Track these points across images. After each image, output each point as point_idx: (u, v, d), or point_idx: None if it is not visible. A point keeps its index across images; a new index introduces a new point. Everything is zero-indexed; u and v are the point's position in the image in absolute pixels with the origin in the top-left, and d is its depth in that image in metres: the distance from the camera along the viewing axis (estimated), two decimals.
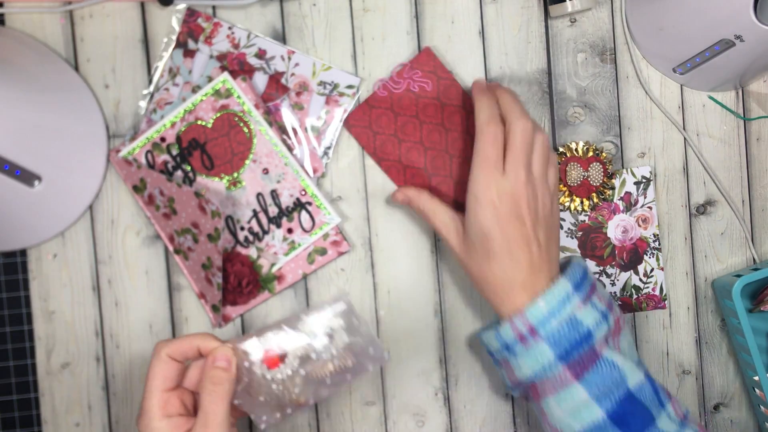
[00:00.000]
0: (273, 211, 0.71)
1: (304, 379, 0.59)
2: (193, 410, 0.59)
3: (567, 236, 0.73)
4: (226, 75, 0.70)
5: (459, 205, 0.71)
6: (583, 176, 0.72)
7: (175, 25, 0.71)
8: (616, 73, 0.74)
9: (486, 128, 0.63)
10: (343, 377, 0.60)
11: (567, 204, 0.72)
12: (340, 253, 0.72)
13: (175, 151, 0.71)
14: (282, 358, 0.59)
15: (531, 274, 0.62)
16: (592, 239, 0.73)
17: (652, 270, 0.74)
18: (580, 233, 0.73)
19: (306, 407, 0.60)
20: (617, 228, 0.73)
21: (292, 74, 0.72)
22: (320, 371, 0.60)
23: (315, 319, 0.59)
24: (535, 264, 0.62)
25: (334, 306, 0.60)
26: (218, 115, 0.71)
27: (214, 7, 0.72)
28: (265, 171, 0.71)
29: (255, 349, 0.59)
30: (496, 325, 0.63)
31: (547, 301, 0.61)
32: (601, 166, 0.72)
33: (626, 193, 0.73)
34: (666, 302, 0.74)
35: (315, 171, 0.72)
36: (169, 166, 0.71)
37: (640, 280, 0.74)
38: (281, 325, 0.59)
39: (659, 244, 0.74)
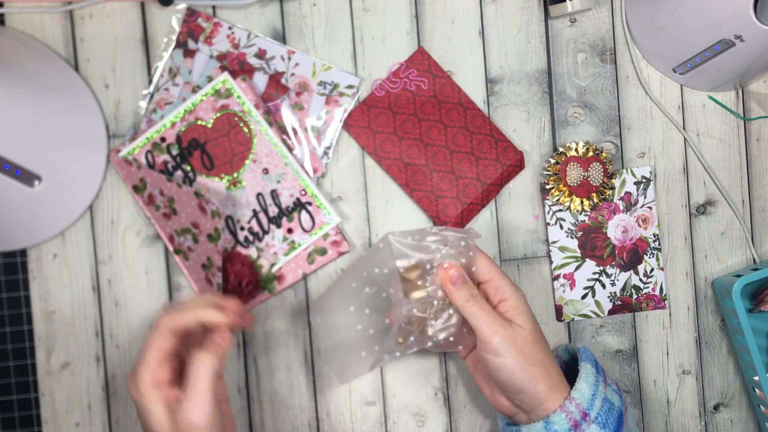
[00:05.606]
0: (273, 211, 0.71)
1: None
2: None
3: (567, 236, 0.73)
4: (226, 75, 0.70)
5: (461, 200, 0.71)
6: (583, 176, 0.72)
7: (175, 25, 0.71)
8: (616, 73, 0.74)
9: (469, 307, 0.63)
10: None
11: (567, 204, 0.72)
12: (340, 253, 0.72)
13: (175, 151, 0.71)
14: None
15: (558, 372, 0.63)
16: (592, 239, 0.73)
17: (652, 270, 0.74)
18: (580, 233, 0.73)
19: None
20: (617, 228, 0.73)
21: (292, 74, 0.72)
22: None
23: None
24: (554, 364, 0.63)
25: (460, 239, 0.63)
26: (218, 115, 0.71)
27: (214, 7, 0.72)
28: (265, 171, 0.71)
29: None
30: (547, 421, 0.60)
31: (588, 383, 0.61)
32: (601, 166, 0.72)
33: (626, 193, 0.73)
34: (666, 302, 0.74)
35: (315, 171, 0.72)
36: (169, 166, 0.71)
37: (640, 280, 0.73)
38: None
39: (659, 244, 0.74)
